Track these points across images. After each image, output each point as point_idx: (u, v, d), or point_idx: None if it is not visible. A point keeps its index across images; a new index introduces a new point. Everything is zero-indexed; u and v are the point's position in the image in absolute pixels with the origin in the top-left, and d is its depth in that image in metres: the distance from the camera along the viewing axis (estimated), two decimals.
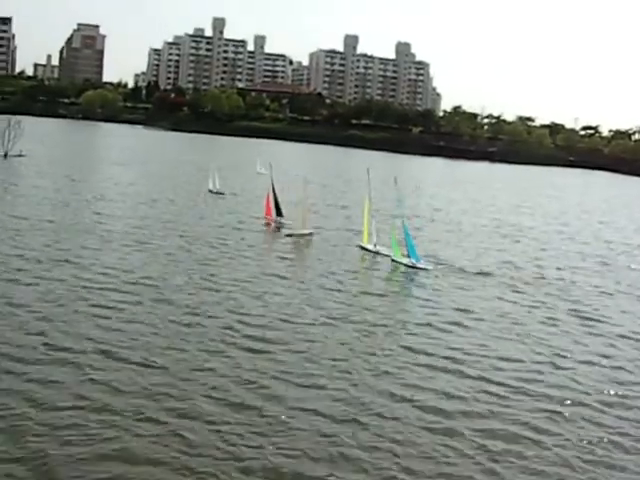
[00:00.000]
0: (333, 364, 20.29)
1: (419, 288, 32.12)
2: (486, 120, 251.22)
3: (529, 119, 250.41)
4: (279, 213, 45.32)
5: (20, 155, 74.57)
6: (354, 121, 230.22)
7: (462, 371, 20.83)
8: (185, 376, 18.34)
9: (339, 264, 35.14)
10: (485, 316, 27.00)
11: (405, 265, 35.81)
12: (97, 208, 42.83)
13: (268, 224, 45.22)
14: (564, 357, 23.05)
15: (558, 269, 37.90)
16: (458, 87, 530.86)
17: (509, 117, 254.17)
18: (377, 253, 38.02)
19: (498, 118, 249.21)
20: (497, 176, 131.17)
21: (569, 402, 19.02)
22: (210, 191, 58.44)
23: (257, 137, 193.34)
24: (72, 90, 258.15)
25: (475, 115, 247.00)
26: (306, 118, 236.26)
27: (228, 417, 16.33)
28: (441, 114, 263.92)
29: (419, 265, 35.57)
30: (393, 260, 36.68)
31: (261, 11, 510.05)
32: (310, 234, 40.90)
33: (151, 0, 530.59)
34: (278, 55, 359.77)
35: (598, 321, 28.05)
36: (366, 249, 38.64)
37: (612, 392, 20.12)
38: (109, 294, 24.23)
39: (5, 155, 74.03)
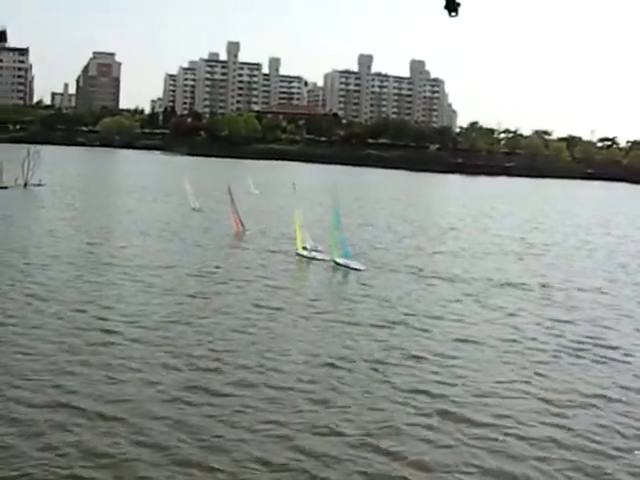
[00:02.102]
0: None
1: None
2: (503, 135, 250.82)
3: (546, 132, 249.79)
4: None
5: (40, 184, 74.81)
6: (371, 140, 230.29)
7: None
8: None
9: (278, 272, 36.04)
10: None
11: (340, 265, 37.05)
12: (114, 239, 42.73)
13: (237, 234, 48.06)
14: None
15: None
16: (474, 103, 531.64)
17: (526, 131, 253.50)
18: (313, 258, 39.00)
19: (515, 133, 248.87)
20: (514, 191, 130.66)
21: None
22: (193, 209, 60.43)
23: (274, 159, 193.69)
24: (90, 118, 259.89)
25: (492, 130, 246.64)
26: (323, 139, 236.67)
27: None
28: (458, 130, 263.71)
29: (352, 265, 36.73)
30: (334, 262, 37.71)
31: (275, 34, 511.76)
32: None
33: (165, 26, 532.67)
34: (293, 77, 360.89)
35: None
36: (302, 255, 39.63)
37: None
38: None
39: (25, 184, 74.29)
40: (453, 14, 2.07)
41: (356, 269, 36.42)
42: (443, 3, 2.04)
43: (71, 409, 16.21)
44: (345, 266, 36.86)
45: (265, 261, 38.51)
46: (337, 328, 24.29)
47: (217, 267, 35.68)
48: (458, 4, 2.04)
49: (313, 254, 39.55)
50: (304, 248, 40.12)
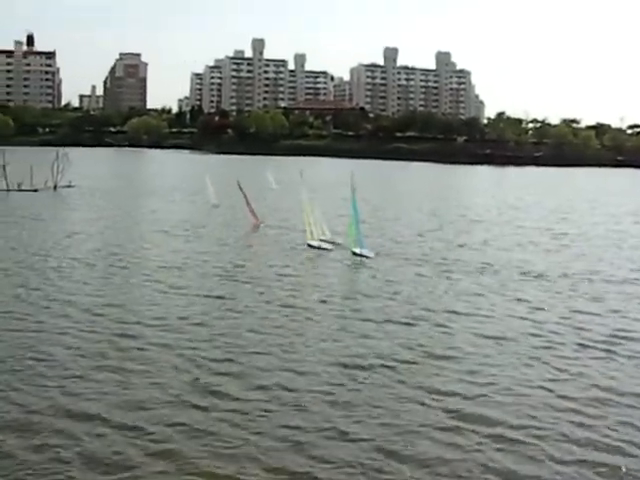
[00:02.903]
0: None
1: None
2: (531, 125, 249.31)
3: (574, 121, 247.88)
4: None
5: (69, 186, 75.46)
6: (398, 134, 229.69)
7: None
8: None
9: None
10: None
11: (356, 255, 37.81)
12: (136, 240, 42.81)
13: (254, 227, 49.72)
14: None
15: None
16: (501, 93, 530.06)
17: (554, 120, 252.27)
18: (323, 249, 39.69)
19: (543, 122, 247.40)
20: (542, 181, 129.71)
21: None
22: (213, 205, 61.47)
23: (302, 155, 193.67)
24: (117, 119, 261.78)
25: (520, 120, 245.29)
26: (350, 133, 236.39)
27: None
28: (485, 121, 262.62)
29: (365, 254, 37.61)
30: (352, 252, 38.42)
31: (299, 29, 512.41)
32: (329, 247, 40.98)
33: (190, 25, 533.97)
34: (319, 72, 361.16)
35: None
36: (312, 246, 40.32)
37: None
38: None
39: (55, 187, 74.92)
40: None
41: (368, 257, 37.27)
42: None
43: (84, 416, 15.99)
44: (360, 255, 37.57)
45: (279, 254, 38.91)
46: (355, 326, 23.91)
47: (232, 263, 35.70)
48: None
49: (323, 244, 40.20)
50: (320, 240, 40.73)
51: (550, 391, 18.29)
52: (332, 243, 40.77)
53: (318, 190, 66.48)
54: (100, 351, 20.57)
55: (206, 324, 23.72)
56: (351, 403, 17.09)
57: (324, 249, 39.76)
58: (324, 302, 27.38)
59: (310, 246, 40.48)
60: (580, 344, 22.51)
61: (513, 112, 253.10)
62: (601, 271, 35.92)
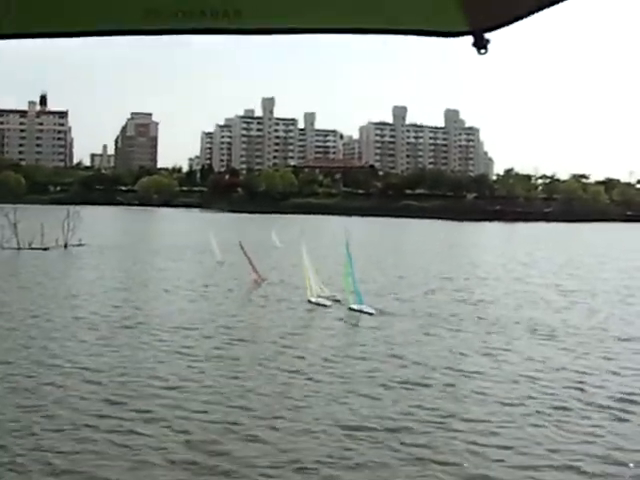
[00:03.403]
0: None
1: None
2: (540, 181, 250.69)
3: (583, 176, 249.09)
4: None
5: (80, 244, 75.73)
6: (408, 191, 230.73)
7: None
8: None
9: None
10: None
11: (354, 311, 38.18)
12: (139, 300, 42.78)
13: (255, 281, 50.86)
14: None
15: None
16: (509, 149, 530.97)
17: (563, 176, 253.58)
18: (323, 305, 40.15)
19: (552, 178, 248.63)
20: (551, 236, 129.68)
21: None
22: (217, 262, 62.14)
23: (312, 213, 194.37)
24: (128, 177, 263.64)
25: (529, 177, 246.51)
26: (360, 191, 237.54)
27: None
28: (494, 178, 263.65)
29: (365, 310, 37.93)
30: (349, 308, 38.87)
31: (309, 88, 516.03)
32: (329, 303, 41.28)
33: (200, 85, 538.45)
34: (329, 131, 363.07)
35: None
36: (311, 302, 40.81)
37: None
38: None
39: (65, 245, 75.24)
40: (482, 51, 2.13)
41: (369, 313, 37.45)
42: (471, 41, 2.11)
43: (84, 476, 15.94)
44: (359, 311, 37.86)
45: (279, 312, 39.28)
46: (357, 388, 23.50)
47: (234, 322, 35.65)
48: (487, 41, 2.10)
49: (322, 301, 40.58)
50: (319, 296, 41.18)
51: (555, 452, 17.95)
52: (331, 299, 41.17)
53: (322, 248, 67.18)
54: (100, 412, 20.36)
55: (209, 386, 23.43)
56: (359, 468, 16.82)
57: (323, 305, 40.15)
58: (327, 361, 27.19)
59: (310, 302, 40.93)
60: (591, 404, 22.08)
61: (522, 168, 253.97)
62: (611, 328, 35.56)
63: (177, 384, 23.55)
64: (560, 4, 2.37)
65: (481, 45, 2.62)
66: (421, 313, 39.16)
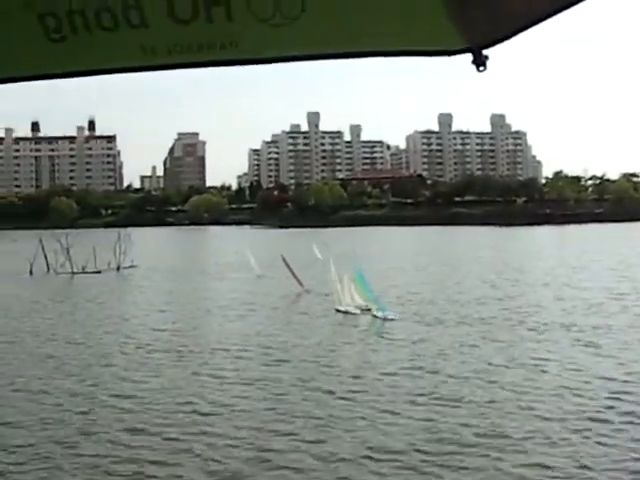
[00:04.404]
0: None
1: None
2: (590, 182, 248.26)
3: (634, 175, 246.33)
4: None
5: (132, 266, 76.70)
6: (457, 198, 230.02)
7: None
8: None
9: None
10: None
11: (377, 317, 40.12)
12: (195, 325, 43.00)
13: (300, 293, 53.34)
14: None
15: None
16: (558, 152, 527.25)
17: (613, 175, 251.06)
18: (347, 312, 41.79)
19: (602, 178, 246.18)
20: (602, 238, 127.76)
21: None
22: (257, 276, 64.41)
23: (362, 225, 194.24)
24: (178, 198, 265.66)
25: (578, 178, 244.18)
26: (409, 201, 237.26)
27: None
28: (543, 181, 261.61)
29: (390, 316, 39.84)
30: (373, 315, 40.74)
31: (354, 100, 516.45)
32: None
33: (245, 102, 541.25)
34: (375, 142, 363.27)
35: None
36: (340, 311, 42.39)
37: None
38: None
39: (118, 268, 76.21)
40: (482, 68, 2.29)
41: (392, 319, 39.33)
42: (471, 58, 2.28)
43: None
44: (383, 318, 39.61)
45: (312, 321, 41.25)
46: (392, 406, 22.94)
47: (271, 339, 36.03)
48: (486, 57, 2.26)
49: (351, 309, 42.02)
50: (347, 305, 42.64)
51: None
52: (360, 308, 42.17)
53: (365, 260, 67.90)
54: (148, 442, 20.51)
55: (247, 410, 23.12)
56: None
57: (352, 313, 41.52)
58: (356, 378, 26.95)
59: (338, 311, 42.43)
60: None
61: (571, 170, 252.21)
62: None
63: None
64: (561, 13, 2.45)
65: (480, 62, 2.66)
66: (464, 321, 39.34)
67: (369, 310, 41.49)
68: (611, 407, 22.10)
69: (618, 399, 23.00)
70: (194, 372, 28.92)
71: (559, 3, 2.50)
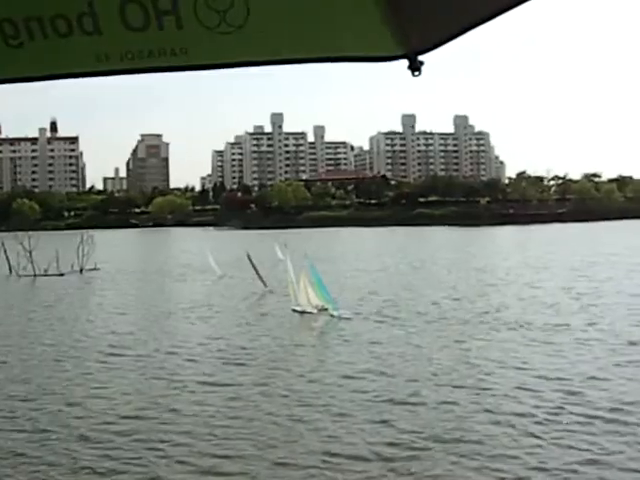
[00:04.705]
0: None
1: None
2: (552, 182, 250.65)
3: (595, 175, 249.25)
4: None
5: (95, 269, 76.34)
6: (421, 199, 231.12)
7: None
8: None
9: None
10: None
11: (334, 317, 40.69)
12: (153, 328, 42.67)
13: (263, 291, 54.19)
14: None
15: None
16: (520, 152, 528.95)
17: (575, 176, 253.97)
18: (304, 312, 42.15)
19: (564, 178, 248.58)
20: (563, 238, 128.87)
21: None
22: (219, 276, 65.56)
23: (326, 226, 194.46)
24: (141, 199, 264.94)
25: (541, 178, 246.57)
26: (373, 202, 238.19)
27: None
28: (506, 182, 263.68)
29: (344, 315, 40.62)
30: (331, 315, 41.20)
31: (318, 102, 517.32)
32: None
33: (208, 103, 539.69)
34: (339, 143, 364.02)
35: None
36: (296, 311, 42.78)
37: None
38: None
39: (81, 270, 75.87)
40: (417, 73, 2.40)
41: (347, 318, 40.01)
42: (407, 64, 2.39)
43: None
44: (339, 317, 40.30)
45: (269, 321, 41.61)
46: (347, 410, 22.69)
47: (234, 336, 36.07)
48: (422, 63, 2.37)
49: (308, 309, 42.22)
50: (302, 305, 42.96)
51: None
52: (317, 308, 42.35)
53: (326, 261, 69.31)
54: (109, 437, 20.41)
55: (204, 414, 22.85)
56: None
57: (309, 313, 41.87)
58: (313, 380, 26.76)
59: (294, 311, 42.76)
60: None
61: (534, 170, 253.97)
62: (621, 331, 34.94)
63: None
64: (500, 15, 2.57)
65: (415, 67, 2.84)
66: (424, 321, 39.55)
67: (325, 310, 41.82)
68: (564, 407, 22.09)
69: (572, 398, 23.10)
70: (152, 376, 28.59)
71: (493, 8, 2.57)
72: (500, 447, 18.68)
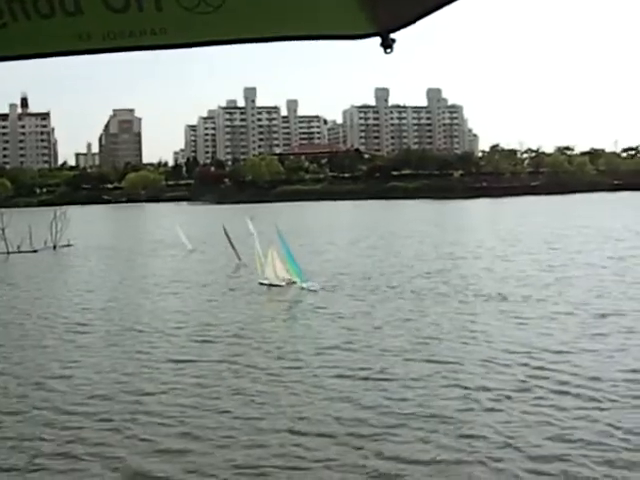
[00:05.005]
0: None
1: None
2: (525, 155, 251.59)
3: (568, 148, 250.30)
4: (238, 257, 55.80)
5: (68, 245, 76.19)
6: (395, 172, 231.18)
7: None
8: None
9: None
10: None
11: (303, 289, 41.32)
12: (126, 304, 42.54)
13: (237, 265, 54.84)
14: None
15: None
16: (494, 125, 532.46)
17: (548, 149, 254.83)
18: (271, 285, 42.82)
19: (537, 151, 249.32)
20: (536, 210, 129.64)
21: None
22: (190, 250, 67.17)
23: (300, 200, 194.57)
24: (114, 175, 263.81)
25: (514, 151, 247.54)
26: (346, 175, 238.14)
27: None
28: (480, 155, 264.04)
29: (312, 288, 41.15)
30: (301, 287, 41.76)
31: (289, 75, 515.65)
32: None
33: (181, 78, 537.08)
34: (312, 117, 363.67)
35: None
36: (263, 284, 43.37)
37: None
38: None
39: (54, 247, 75.62)
40: (389, 50, 2.37)
41: (315, 290, 40.55)
42: (379, 41, 2.37)
43: None
44: (307, 289, 40.89)
45: (249, 297, 41.10)
46: (320, 383, 22.92)
47: (205, 311, 36.46)
48: (393, 40, 2.34)
49: (275, 281, 42.76)
50: (268, 277, 43.50)
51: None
52: (285, 281, 42.88)
53: (298, 234, 70.11)
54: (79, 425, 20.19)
55: (176, 389, 22.96)
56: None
57: (277, 286, 42.42)
58: (285, 354, 26.94)
59: (261, 284, 43.29)
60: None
61: (507, 143, 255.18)
62: (591, 303, 35.06)
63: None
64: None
65: (387, 45, 2.82)
66: (396, 294, 39.68)
67: (294, 283, 42.32)
68: (532, 381, 22.16)
69: (541, 373, 23.14)
70: (123, 352, 28.50)
71: None
72: (468, 423, 18.66)
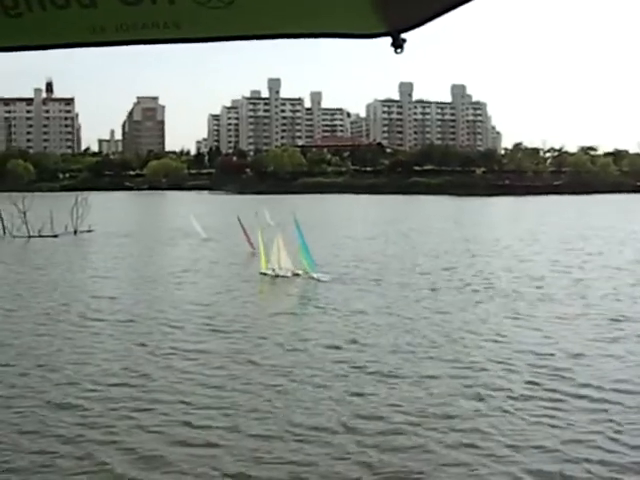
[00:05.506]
0: None
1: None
2: (548, 154, 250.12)
3: (591, 148, 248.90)
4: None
5: (89, 230, 76.46)
6: (416, 168, 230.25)
7: None
8: None
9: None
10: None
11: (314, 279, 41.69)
12: (144, 292, 42.51)
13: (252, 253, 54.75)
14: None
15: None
16: (517, 123, 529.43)
17: (571, 148, 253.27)
18: (277, 276, 43.14)
19: (560, 150, 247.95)
20: (558, 210, 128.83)
21: None
22: (204, 239, 68.31)
23: (321, 192, 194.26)
24: (136, 162, 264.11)
25: (537, 150, 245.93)
26: (368, 169, 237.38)
27: None
28: (503, 152, 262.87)
29: (323, 278, 41.53)
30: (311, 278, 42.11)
31: (315, 68, 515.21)
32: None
33: (205, 67, 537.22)
34: (335, 109, 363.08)
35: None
36: (266, 274, 43.78)
37: None
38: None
39: (75, 232, 75.93)
40: (399, 51, 2.35)
41: (325, 281, 40.94)
42: (390, 41, 2.35)
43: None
44: (317, 279, 41.29)
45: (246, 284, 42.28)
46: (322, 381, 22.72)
47: (216, 303, 36.33)
48: (404, 40, 2.32)
49: (281, 272, 43.03)
50: (274, 269, 43.76)
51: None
52: (291, 272, 43.18)
53: (317, 227, 70.26)
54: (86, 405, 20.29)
55: (181, 382, 22.82)
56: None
57: (283, 276, 42.83)
58: (291, 350, 26.59)
59: (264, 274, 43.77)
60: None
61: (530, 142, 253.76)
62: (608, 309, 34.40)
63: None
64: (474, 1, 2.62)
65: (398, 45, 2.84)
66: (409, 290, 39.53)
67: (298, 275, 42.73)
68: (545, 384, 21.95)
69: (555, 375, 22.95)
70: (131, 342, 28.37)
71: None
72: (478, 423, 18.58)
